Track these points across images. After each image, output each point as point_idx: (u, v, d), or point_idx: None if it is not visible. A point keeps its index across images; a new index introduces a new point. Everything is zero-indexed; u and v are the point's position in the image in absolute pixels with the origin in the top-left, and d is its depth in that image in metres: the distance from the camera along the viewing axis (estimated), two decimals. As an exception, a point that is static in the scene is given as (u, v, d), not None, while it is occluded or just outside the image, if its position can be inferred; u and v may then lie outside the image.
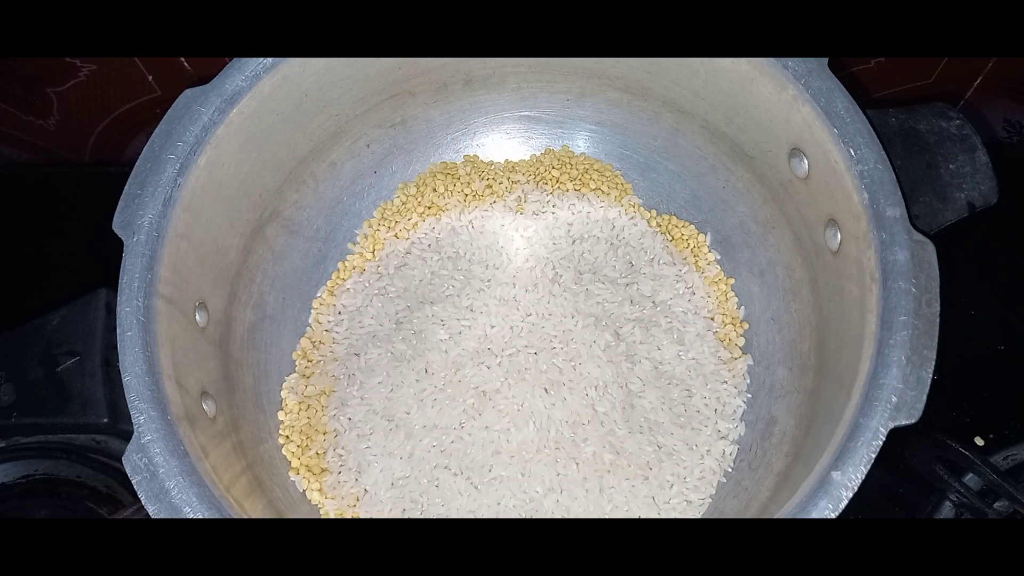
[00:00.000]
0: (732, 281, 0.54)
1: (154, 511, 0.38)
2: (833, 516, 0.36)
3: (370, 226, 0.57)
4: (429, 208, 0.57)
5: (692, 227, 0.56)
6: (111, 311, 0.47)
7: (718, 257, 0.55)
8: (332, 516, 0.49)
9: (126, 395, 0.40)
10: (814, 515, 0.37)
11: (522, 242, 0.56)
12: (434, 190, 0.57)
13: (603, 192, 0.57)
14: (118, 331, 0.41)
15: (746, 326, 0.54)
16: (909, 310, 0.38)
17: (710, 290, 0.55)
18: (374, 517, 0.49)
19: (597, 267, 0.55)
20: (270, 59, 0.45)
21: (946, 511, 0.51)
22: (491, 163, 0.58)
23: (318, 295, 0.56)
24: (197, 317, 0.46)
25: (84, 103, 0.62)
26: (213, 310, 0.47)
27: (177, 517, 0.38)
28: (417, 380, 0.51)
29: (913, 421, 0.37)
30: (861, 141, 0.41)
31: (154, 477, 0.38)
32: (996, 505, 0.49)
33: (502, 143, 0.58)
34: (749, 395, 0.52)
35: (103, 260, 0.43)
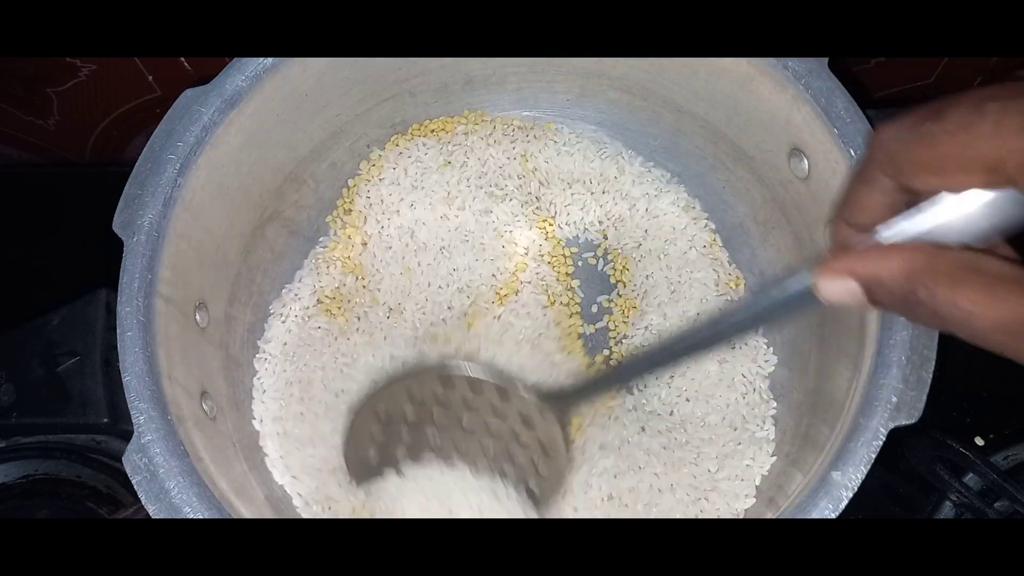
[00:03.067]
0: (743, 281, 0.54)
1: (154, 511, 0.38)
2: (833, 516, 0.36)
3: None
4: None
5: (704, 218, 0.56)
6: (111, 311, 0.47)
7: (727, 256, 0.55)
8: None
9: (126, 395, 0.40)
10: (814, 515, 0.37)
11: (530, 235, 0.56)
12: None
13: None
14: (118, 331, 0.41)
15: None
16: (909, 310, 0.38)
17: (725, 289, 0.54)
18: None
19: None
20: (270, 59, 0.45)
21: (946, 511, 0.51)
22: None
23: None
24: (197, 317, 0.46)
25: (84, 103, 0.62)
26: (213, 310, 0.47)
27: (177, 517, 0.38)
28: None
29: (913, 421, 0.37)
30: (861, 141, 0.41)
31: (154, 477, 0.38)
32: (996, 505, 0.49)
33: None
34: (749, 395, 0.52)
35: (103, 260, 0.43)
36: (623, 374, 0.41)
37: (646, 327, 0.53)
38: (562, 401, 0.42)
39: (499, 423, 0.42)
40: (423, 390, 0.42)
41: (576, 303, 0.54)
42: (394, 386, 0.43)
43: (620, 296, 0.54)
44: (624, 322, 0.54)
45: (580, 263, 0.55)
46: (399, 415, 0.43)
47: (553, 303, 0.54)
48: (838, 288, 0.29)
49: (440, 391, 0.42)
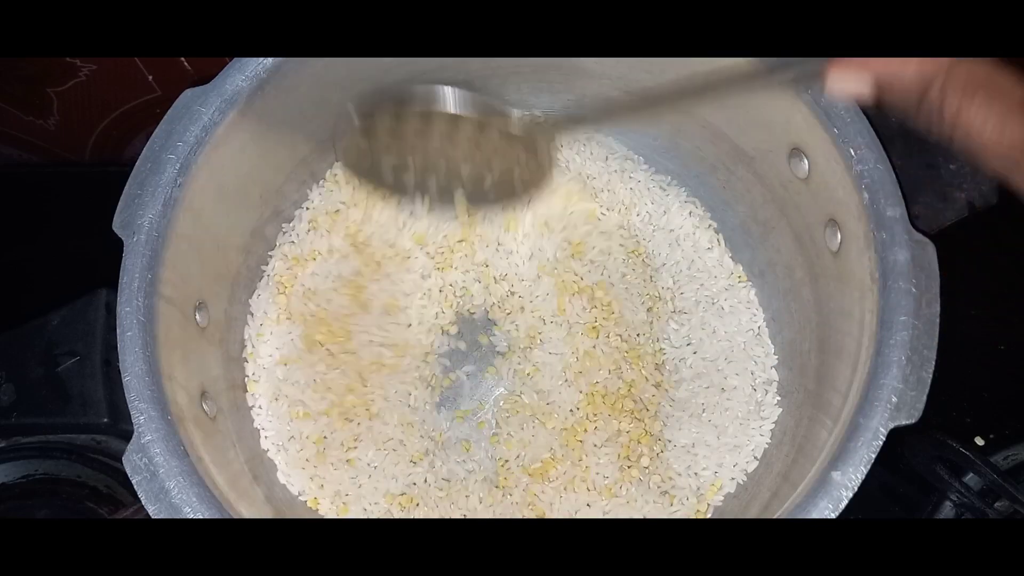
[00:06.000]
0: (743, 281, 0.54)
1: (154, 511, 0.38)
2: (833, 516, 0.37)
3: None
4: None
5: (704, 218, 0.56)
6: (111, 311, 0.47)
7: (728, 256, 0.55)
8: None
9: (126, 395, 0.40)
10: (814, 515, 0.37)
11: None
12: None
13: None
14: (118, 331, 0.41)
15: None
16: (909, 310, 0.38)
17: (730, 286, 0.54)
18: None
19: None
20: (270, 59, 0.45)
21: (946, 511, 0.51)
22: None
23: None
24: (197, 317, 0.46)
25: (84, 103, 0.62)
26: (213, 310, 0.47)
27: (177, 517, 0.38)
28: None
29: (913, 421, 0.37)
30: (861, 141, 0.41)
31: (154, 477, 0.38)
32: (996, 505, 0.49)
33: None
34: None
35: (103, 260, 0.43)
36: (610, 112, 0.44)
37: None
38: (545, 130, 0.43)
39: (477, 154, 0.44)
40: (402, 122, 0.43)
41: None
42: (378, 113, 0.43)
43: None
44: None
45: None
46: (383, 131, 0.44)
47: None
48: (849, 79, 0.31)
49: (420, 125, 0.43)
